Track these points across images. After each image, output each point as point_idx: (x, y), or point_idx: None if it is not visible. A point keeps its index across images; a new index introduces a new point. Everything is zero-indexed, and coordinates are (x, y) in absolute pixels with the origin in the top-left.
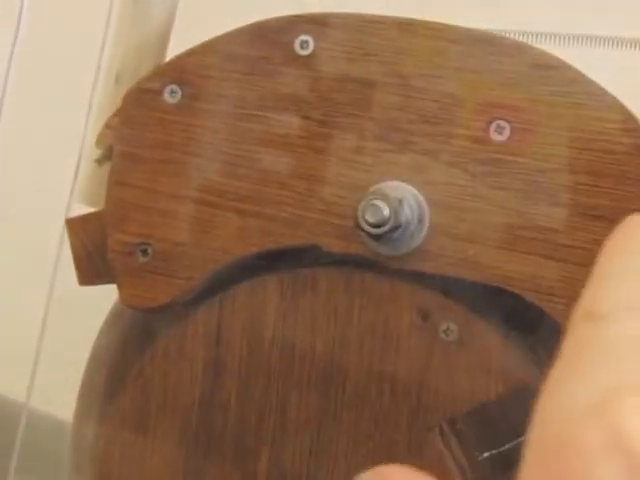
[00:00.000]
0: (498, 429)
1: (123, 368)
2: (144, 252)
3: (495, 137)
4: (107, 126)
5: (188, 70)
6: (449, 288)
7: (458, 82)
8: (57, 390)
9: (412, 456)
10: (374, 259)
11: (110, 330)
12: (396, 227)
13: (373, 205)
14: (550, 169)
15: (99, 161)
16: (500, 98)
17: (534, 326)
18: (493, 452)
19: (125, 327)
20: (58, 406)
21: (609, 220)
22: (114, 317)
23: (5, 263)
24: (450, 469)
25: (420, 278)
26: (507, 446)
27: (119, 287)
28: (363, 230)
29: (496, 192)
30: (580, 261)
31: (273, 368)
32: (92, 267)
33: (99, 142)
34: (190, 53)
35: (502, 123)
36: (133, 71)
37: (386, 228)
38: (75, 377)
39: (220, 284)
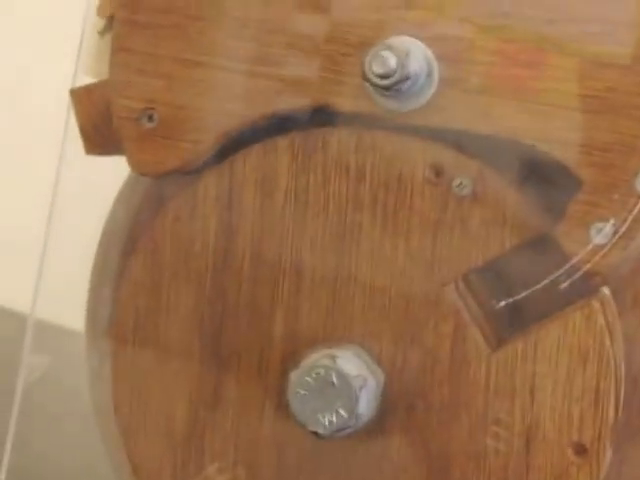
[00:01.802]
0: (513, 281)
1: (136, 239)
2: (150, 117)
3: None
4: None
5: None
6: (461, 143)
7: None
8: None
9: (428, 310)
10: (384, 116)
11: (121, 207)
12: (404, 78)
13: (380, 56)
14: (559, 19)
15: (102, 32)
16: None
17: (549, 178)
18: (508, 300)
19: (137, 201)
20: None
21: (620, 67)
22: (125, 193)
23: (8, 142)
24: (466, 321)
25: (432, 134)
26: (523, 294)
27: (127, 154)
28: (371, 82)
29: (506, 45)
30: (594, 109)
31: (286, 229)
32: (98, 136)
33: (101, 11)
34: None
35: None
36: None
37: (394, 79)
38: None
39: (231, 149)
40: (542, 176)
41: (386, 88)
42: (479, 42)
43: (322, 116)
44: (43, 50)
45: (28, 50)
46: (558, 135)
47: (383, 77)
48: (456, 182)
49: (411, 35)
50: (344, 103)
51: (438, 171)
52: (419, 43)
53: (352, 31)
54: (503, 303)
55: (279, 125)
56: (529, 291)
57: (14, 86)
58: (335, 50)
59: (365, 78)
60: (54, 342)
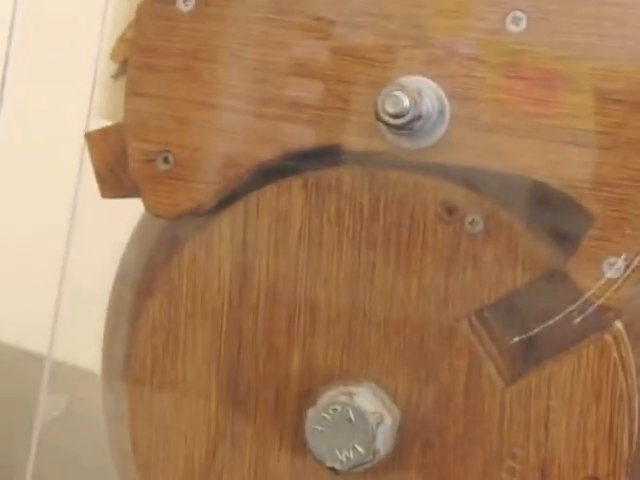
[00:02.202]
0: (527, 316)
1: (151, 280)
2: (165, 160)
3: (512, 28)
4: (121, 40)
5: None
6: (473, 181)
7: None
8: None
9: (442, 345)
10: (397, 154)
11: (135, 248)
12: (417, 117)
13: (393, 96)
14: (568, 57)
15: (115, 76)
16: None
17: (560, 214)
18: (522, 336)
19: (151, 242)
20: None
21: (630, 103)
22: (138, 235)
23: (25, 186)
24: (480, 355)
25: (444, 172)
26: (535, 330)
27: (142, 196)
28: (384, 122)
29: (515, 82)
30: (604, 145)
31: (300, 268)
32: (114, 179)
33: (114, 55)
34: None
35: (518, 14)
36: None
37: (407, 118)
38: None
39: (244, 190)
40: (553, 212)
41: (399, 127)
42: (489, 80)
43: (335, 156)
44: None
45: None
46: (569, 172)
47: (396, 116)
48: (469, 219)
49: (422, 74)
50: (356, 142)
51: (451, 209)
52: (430, 82)
53: (363, 71)
54: (516, 339)
55: (292, 165)
56: (542, 327)
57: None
58: (346, 90)
59: (378, 118)
60: (71, 383)
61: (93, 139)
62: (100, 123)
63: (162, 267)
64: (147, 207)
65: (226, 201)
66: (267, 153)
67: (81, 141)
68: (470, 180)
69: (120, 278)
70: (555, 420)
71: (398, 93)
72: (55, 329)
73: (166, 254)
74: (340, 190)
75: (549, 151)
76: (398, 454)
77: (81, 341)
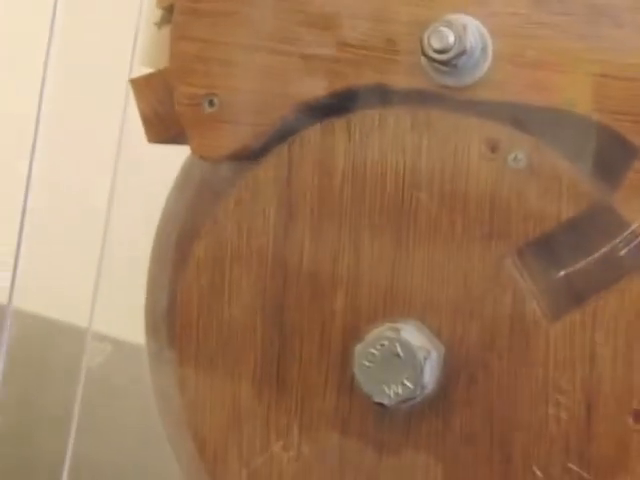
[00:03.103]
0: (571, 251)
1: (196, 223)
2: (210, 102)
3: None
4: None
5: None
6: (516, 118)
7: None
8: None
9: (486, 284)
10: (440, 92)
11: (179, 193)
12: (461, 53)
13: (438, 31)
14: None
15: (159, 24)
16: None
17: (604, 149)
18: (567, 271)
19: (195, 186)
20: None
21: None
22: (182, 181)
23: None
24: (525, 293)
25: (487, 109)
26: (580, 264)
27: (189, 138)
28: (429, 57)
29: (560, 18)
30: None
31: (344, 208)
32: (160, 123)
33: (160, 2)
34: None
35: None
36: None
37: (451, 53)
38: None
39: (289, 132)
40: (598, 147)
41: (444, 63)
42: (533, 16)
43: (379, 96)
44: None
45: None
46: (612, 105)
47: (441, 52)
48: (512, 156)
49: (466, 12)
50: (399, 80)
51: (494, 146)
52: (473, 19)
53: (407, 10)
54: (563, 273)
55: (336, 106)
56: (589, 259)
57: None
58: (391, 29)
59: (424, 53)
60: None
61: (138, 85)
62: (142, 71)
63: (207, 211)
64: (194, 150)
65: (272, 143)
66: (311, 94)
67: (124, 92)
68: (513, 117)
69: (163, 224)
70: (600, 355)
71: (444, 29)
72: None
73: (210, 198)
74: (383, 130)
75: (593, 85)
76: (443, 390)
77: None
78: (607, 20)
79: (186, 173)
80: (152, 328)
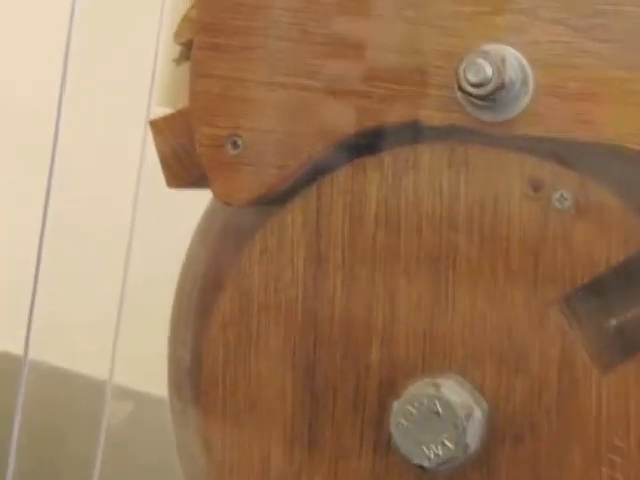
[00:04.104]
0: (623, 297)
1: (219, 273)
2: (234, 144)
3: None
4: (185, 19)
5: None
6: (561, 154)
7: None
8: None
9: (532, 334)
10: (478, 128)
11: (202, 239)
12: (500, 86)
13: (475, 64)
14: None
15: (177, 60)
16: None
17: None
18: (620, 319)
19: (218, 233)
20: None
21: None
22: (205, 226)
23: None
24: (574, 343)
25: (529, 145)
26: (634, 311)
27: (211, 183)
28: (465, 92)
29: (603, 45)
30: None
31: (378, 254)
32: (180, 167)
33: (178, 36)
34: None
35: None
36: None
37: (489, 87)
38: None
39: (317, 173)
40: None
41: (482, 97)
42: (576, 44)
43: (412, 133)
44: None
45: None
46: None
47: (479, 86)
48: (556, 195)
49: (502, 42)
50: (434, 116)
51: (537, 185)
52: (512, 49)
53: (441, 41)
54: (615, 322)
55: (368, 144)
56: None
57: None
58: (423, 62)
59: (459, 88)
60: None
61: (157, 127)
62: (161, 112)
63: (230, 259)
64: (216, 194)
65: (298, 185)
66: (340, 132)
67: (142, 132)
68: (557, 153)
69: (185, 273)
70: None
71: (480, 61)
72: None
73: (234, 246)
74: (418, 169)
75: None
76: (487, 450)
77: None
78: None
79: (209, 218)
80: (175, 385)
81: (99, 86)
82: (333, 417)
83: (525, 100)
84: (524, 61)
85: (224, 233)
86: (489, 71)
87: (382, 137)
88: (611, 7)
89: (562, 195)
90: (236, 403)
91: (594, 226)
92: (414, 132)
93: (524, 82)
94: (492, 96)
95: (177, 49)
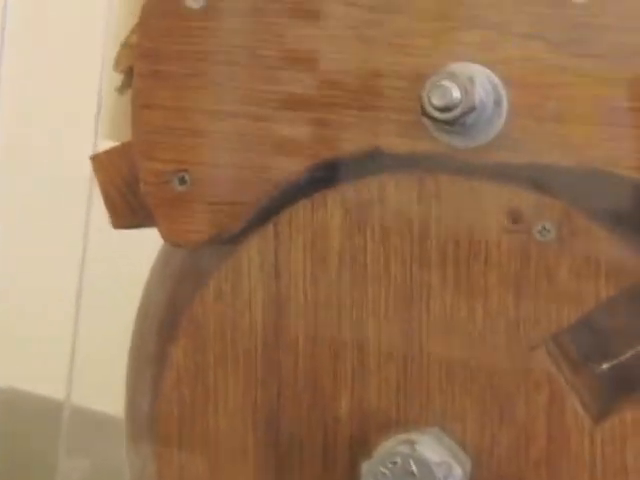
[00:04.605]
0: (613, 337)
1: (175, 320)
2: (181, 180)
3: None
4: (125, 45)
5: None
6: (541, 181)
7: None
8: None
9: (517, 380)
10: (448, 155)
11: (156, 283)
12: (469, 110)
13: (440, 86)
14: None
15: (120, 89)
16: None
17: None
18: (612, 363)
19: (174, 273)
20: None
21: None
22: (159, 268)
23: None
24: (562, 389)
25: (505, 172)
26: (627, 354)
27: (158, 223)
28: (432, 117)
29: (584, 61)
30: None
31: (344, 295)
32: (126, 206)
33: (118, 64)
34: None
35: None
36: None
37: (457, 112)
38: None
39: (273, 208)
40: (638, 212)
41: (449, 122)
42: (553, 60)
43: (376, 162)
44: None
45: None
46: None
47: (445, 110)
48: (538, 227)
49: (473, 60)
50: (399, 144)
51: (516, 216)
52: (482, 68)
53: (401, 61)
54: (605, 366)
55: (327, 177)
56: (634, 350)
57: None
58: (383, 84)
59: (424, 113)
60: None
61: (99, 162)
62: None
63: (186, 304)
64: (164, 236)
65: (254, 223)
66: (297, 164)
67: (89, 169)
68: (537, 180)
69: (141, 319)
70: None
71: (446, 82)
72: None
73: (190, 289)
74: (384, 202)
75: (630, 139)
76: None
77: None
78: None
79: (165, 257)
80: (133, 437)
81: (43, 115)
82: (300, 477)
83: (499, 123)
84: (496, 80)
85: (180, 274)
86: (456, 93)
87: (343, 168)
88: (591, 19)
89: (544, 226)
90: (194, 465)
91: (580, 259)
92: (377, 161)
93: (497, 103)
94: (461, 120)
95: (120, 77)
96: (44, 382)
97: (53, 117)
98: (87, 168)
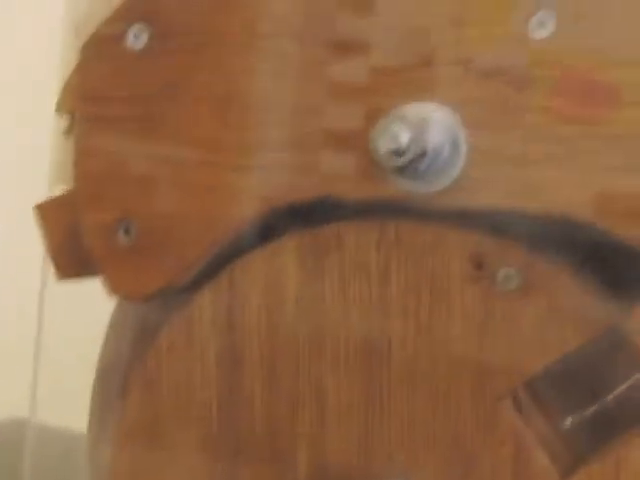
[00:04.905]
0: (582, 387)
1: (128, 372)
2: (126, 231)
3: (537, 33)
4: (67, 86)
5: (154, 3)
6: (503, 226)
7: None
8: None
9: (482, 434)
10: (405, 201)
11: (114, 335)
12: (421, 155)
13: (389, 130)
14: (604, 65)
15: (67, 132)
16: None
17: (613, 261)
18: (580, 415)
19: (130, 324)
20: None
21: None
22: (116, 320)
23: None
24: (529, 442)
25: (466, 218)
26: (596, 406)
27: (104, 276)
28: (381, 163)
29: (552, 100)
30: None
31: (301, 349)
32: (71, 257)
33: (60, 107)
34: None
35: (544, 15)
36: (95, 19)
37: (408, 157)
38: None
39: (225, 258)
40: (603, 259)
41: (400, 169)
42: (517, 99)
43: (332, 209)
44: None
45: None
46: (623, 208)
47: (395, 155)
48: (501, 274)
49: (426, 99)
50: (354, 189)
51: (478, 263)
52: (439, 107)
53: (359, 99)
54: (569, 420)
55: (281, 224)
56: (603, 401)
57: None
58: (334, 125)
59: (374, 160)
60: None
61: (43, 211)
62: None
63: (138, 358)
64: (110, 289)
65: (205, 274)
66: (246, 212)
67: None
68: (499, 226)
69: (100, 373)
70: None
71: (395, 126)
72: None
73: (143, 341)
74: (342, 250)
75: (598, 183)
76: None
77: None
78: (608, 98)
79: (121, 305)
80: None
81: None
82: None
83: (457, 167)
84: (454, 121)
85: (134, 324)
86: (405, 137)
87: (297, 215)
88: (552, 56)
89: (507, 274)
90: None
91: (545, 308)
92: (336, 207)
93: (454, 146)
94: (412, 166)
95: (66, 120)
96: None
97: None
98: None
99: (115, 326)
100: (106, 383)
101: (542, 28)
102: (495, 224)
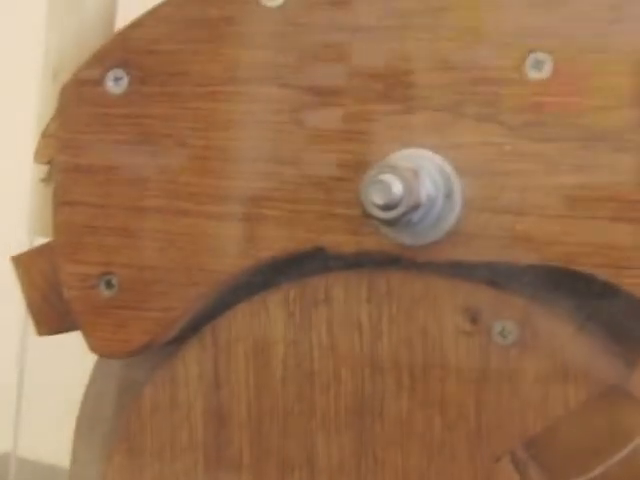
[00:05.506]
0: (585, 448)
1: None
2: (108, 284)
3: (533, 75)
4: (45, 135)
5: (133, 48)
6: (499, 278)
7: (476, 11)
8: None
9: None
10: (397, 253)
11: (99, 382)
12: (414, 207)
13: (379, 182)
14: (607, 107)
15: (46, 180)
16: (536, 23)
17: (614, 312)
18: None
19: (109, 387)
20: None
21: None
22: (96, 378)
23: None
24: None
25: (461, 270)
26: (598, 470)
27: (84, 332)
28: (372, 216)
29: (542, 146)
30: None
31: (290, 406)
32: (51, 311)
33: (39, 156)
34: (134, 26)
35: (541, 56)
36: (74, 63)
37: (400, 210)
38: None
39: (210, 312)
40: (605, 311)
41: (392, 222)
42: (509, 146)
43: (320, 262)
44: None
45: None
46: (626, 258)
47: (386, 209)
48: (497, 328)
49: (419, 146)
50: (343, 242)
51: (474, 316)
52: (431, 155)
53: (347, 149)
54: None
55: (267, 278)
56: (608, 464)
57: None
58: (327, 175)
59: (364, 211)
60: None
61: (21, 263)
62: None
63: (120, 420)
64: (91, 346)
65: (189, 329)
66: (231, 266)
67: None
68: (495, 278)
69: (79, 429)
70: None
71: (386, 177)
72: None
73: (126, 399)
74: (331, 303)
75: (598, 231)
76: None
77: None
78: (603, 144)
79: (104, 364)
80: None
81: None
82: None
83: (451, 217)
84: (447, 169)
85: (118, 384)
86: (397, 190)
87: (286, 267)
88: (548, 98)
89: (504, 328)
90: None
91: (545, 362)
92: (322, 260)
93: (448, 196)
94: (405, 219)
95: (45, 167)
96: None
97: None
98: None
99: (94, 384)
100: (83, 442)
101: (538, 70)
102: (491, 274)
